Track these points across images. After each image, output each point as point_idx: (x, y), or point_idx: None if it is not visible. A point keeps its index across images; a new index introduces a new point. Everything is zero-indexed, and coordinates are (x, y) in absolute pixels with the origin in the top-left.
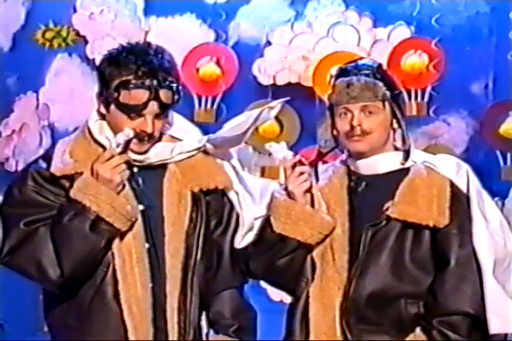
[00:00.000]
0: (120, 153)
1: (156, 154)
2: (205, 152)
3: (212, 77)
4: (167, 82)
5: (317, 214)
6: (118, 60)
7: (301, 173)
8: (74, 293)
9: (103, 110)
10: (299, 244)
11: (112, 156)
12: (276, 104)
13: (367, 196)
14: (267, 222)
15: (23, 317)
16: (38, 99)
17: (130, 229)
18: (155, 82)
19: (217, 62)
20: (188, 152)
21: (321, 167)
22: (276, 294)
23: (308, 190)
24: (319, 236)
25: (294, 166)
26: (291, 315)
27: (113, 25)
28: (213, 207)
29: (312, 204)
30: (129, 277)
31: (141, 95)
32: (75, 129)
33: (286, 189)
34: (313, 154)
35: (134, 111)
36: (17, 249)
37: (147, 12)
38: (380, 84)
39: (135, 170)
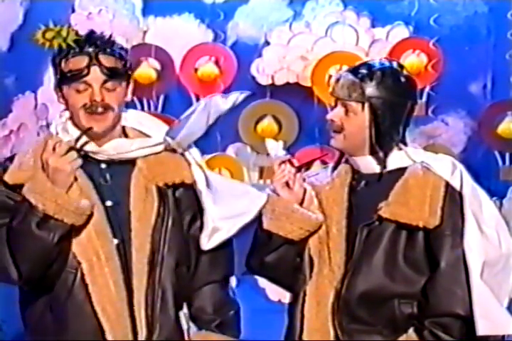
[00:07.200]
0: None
1: (113, 147)
2: (173, 150)
3: (210, 77)
4: (108, 49)
5: (298, 209)
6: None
7: (283, 170)
8: (44, 291)
9: (61, 100)
10: (283, 239)
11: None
12: (232, 96)
13: (366, 195)
14: (259, 219)
15: (21, 318)
16: (36, 99)
17: (85, 224)
18: (93, 48)
19: (216, 62)
20: (150, 147)
21: (319, 166)
22: (275, 294)
23: (289, 186)
24: (301, 232)
25: (281, 164)
26: (291, 313)
27: (111, 25)
28: (185, 202)
29: (302, 202)
30: (99, 279)
31: (80, 61)
32: None
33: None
34: (312, 153)
35: (76, 78)
36: None
37: (145, 12)
38: (365, 85)
39: (103, 166)
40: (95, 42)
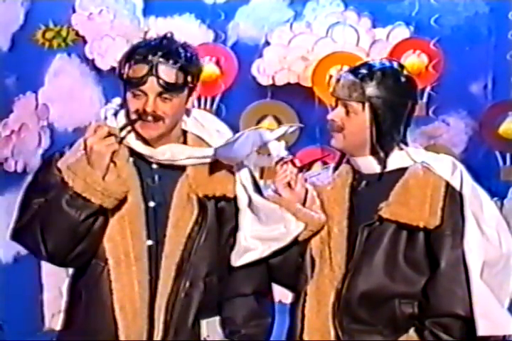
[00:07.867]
0: (120, 130)
1: (163, 152)
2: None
3: (211, 77)
4: (171, 60)
5: (301, 209)
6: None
7: (285, 170)
8: (76, 271)
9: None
10: None
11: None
12: (281, 129)
13: (367, 195)
14: None
15: (22, 318)
16: (37, 100)
17: (123, 221)
18: (156, 57)
19: (217, 63)
20: (198, 158)
21: (320, 167)
22: (276, 294)
23: (291, 186)
24: (303, 232)
25: (283, 165)
26: (292, 313)
27: (112, 25)
28: (228, 212)
29: (304, 202)
30: (124, 277)
31: (140, 70)
32: (75, 129)
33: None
34: (313, 154)
35: (133, 85)
36: (22, 226)
37: (146, 12)
38: (365, 85)
39: (154, 166)
40: (159, 52)
